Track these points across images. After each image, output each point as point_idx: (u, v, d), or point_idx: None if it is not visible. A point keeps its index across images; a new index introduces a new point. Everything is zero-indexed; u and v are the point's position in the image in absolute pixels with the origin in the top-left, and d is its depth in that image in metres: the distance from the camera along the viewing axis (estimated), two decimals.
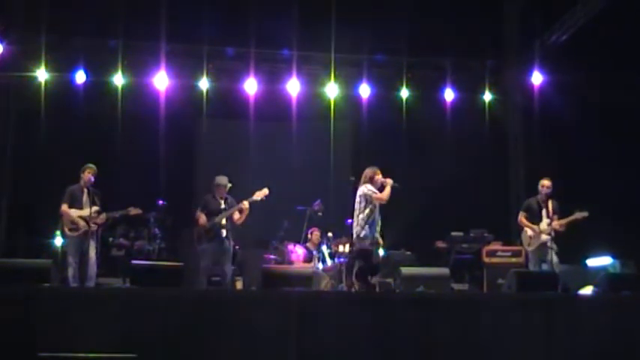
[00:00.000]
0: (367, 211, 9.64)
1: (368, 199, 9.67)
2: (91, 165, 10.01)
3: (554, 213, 10.26)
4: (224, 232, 10.22)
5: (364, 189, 9.72)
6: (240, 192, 10.48)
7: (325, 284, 11.20)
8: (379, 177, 9.78)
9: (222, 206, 10.29)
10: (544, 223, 10.31)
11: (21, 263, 8.24)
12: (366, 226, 9.61)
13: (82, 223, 9.80)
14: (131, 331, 7.01)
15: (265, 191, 10.27)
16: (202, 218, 10.23)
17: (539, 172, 10.89)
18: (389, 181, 9.71)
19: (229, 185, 10.40)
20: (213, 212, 10.25)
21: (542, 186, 10.45)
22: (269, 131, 13.84)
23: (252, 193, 10.30)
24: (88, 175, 9.94)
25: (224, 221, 10.22)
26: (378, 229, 9.72)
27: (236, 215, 10.28)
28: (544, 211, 10.38)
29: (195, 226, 10.33)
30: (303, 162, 13.32)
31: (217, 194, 10.37)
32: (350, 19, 12.24)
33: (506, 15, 14.18)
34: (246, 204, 10.21)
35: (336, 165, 12.72)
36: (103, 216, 9.98)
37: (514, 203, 13.33)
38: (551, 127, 13.08)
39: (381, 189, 9.69)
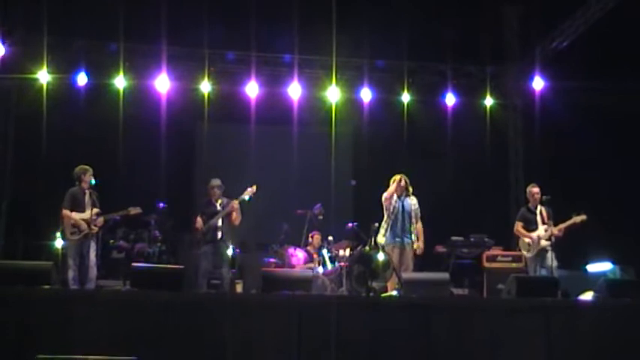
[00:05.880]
0: (385, 217, 10.05)
1: (384, 206, 10.06)
2: (88, 167, 10.01)
3: (549, 218, 10.30)
4: (219, 234, 10.26)
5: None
6: (240, 195, 10.47)
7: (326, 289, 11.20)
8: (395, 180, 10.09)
9: (218, 208, 10.34)
10: (541, 230, 10.34)
11: (21, 265, 8.23)
12: (383, 231, 9.98)
13: (83, 226, 9.80)
14: (131, 333, 7.02)
15: (253, 188, 10.37)
16: (199, 222, 10.30)
17: (537, 177, 10.94)
18: (395, 178, 10.07)
19: (223, 187, 10.44)
20: (210, 215, 10.32)
21: (533, 194, 10.54)
22: (270, 135, 13.84)
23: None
24: (89, 177, 9.94)
25: (220, 222, 10.27)
26: (384, 232, 9.96)
27: (233, 216, 10.31)
28: (539, 218, 10.43)
29: (194, 231, 10.39)
30: (303, 165, 13.32)
31: (212, 197, 10.42)
32: (351, 24, 12.24)
33: (506, 21, 14.20)
34: (235, 203, 10.25)
35: (337, 169, 12.70)
36: (102, 219, 9.98)
37: (514, 208, 13.32)
38: (552, 132, 13.08)
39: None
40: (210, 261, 10.26)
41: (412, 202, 10.16)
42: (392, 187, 10.06)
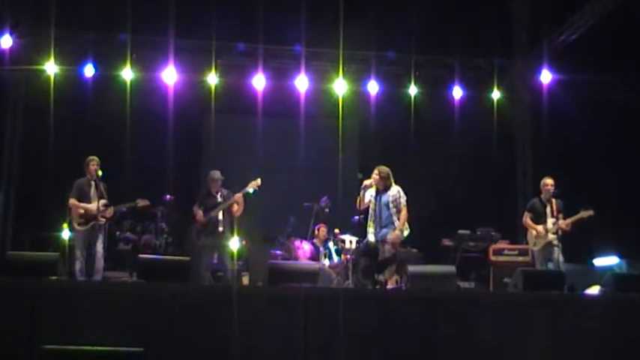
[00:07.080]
0: (369, 215, 9.78)
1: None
2: (94, 157, 10.02)
3: (558, 212, 10.20)
4: (221, 226, 10.24)
5: None
6: (243, 187, 10.44)
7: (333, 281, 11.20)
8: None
9: (219, 200, 10.30)
10: (549, 223, 10.27)
11: (28, 256, 8.27)
12: (371, 229, 9.73)
13: (91, 216, 9.82)
14: (138, 324, 7.04)
15: (258, 181, 10.29)
16: (199, 214, 10.25)
17: (544, 171, 10.88)
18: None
19: (222, 178, 10.40)
20: (209, 207, 10.26)
21: (546, 185, 10.41)
22: (277, 127, 13.85)
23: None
24: (94, 167, 9.95)
25: (220, 215, 10.24)
26: (371, 229, 9.74)
27: (234, 208, 10.29)
28: (548, 210, 10.35)
29: (193, 222, 10.37)
30: (310, 158, 13.32)
31: (212, 189, 10.37)
32: (359, 16, 12.22)
33: (515, 13, 14.15)
34: (239, 196, 10.23)
35: (344, 162, 12.70)
36: (111, 210, 10.00)
37: (521, 202, 13.31)
38: (559, 125, 13.06)
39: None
40: (212, 253, 10.25)
41: (391, 192, 9.62)
42: (360, 194, 9.71)
